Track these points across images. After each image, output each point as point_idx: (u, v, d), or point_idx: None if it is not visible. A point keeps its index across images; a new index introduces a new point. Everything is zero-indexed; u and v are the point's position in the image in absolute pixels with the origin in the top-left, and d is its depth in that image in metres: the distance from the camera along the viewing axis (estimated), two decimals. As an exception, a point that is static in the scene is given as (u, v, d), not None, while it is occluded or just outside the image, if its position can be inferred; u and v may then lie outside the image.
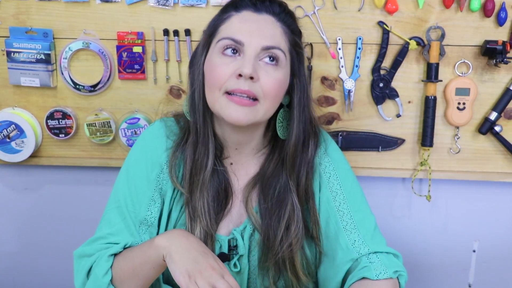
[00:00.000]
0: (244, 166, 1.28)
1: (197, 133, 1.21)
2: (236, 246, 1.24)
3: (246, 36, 1.13)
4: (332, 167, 1.27)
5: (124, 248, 1.17)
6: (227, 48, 1.14)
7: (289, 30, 1.19)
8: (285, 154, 1.23)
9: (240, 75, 1.12)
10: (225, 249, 1.24)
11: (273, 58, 1.15)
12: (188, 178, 1.22)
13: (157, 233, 1.24)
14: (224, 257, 1.23)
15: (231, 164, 1.28)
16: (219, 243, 1.24)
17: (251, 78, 1.12)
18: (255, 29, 1.14)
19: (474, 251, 1.75)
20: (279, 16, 1.18)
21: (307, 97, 1.23)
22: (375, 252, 1.20)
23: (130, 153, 1.29)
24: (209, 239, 1.20)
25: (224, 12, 1.19)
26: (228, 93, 1.13)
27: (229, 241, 1.24)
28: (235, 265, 1.25)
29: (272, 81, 1.14)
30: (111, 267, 1.14)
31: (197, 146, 1.21)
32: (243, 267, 1.25)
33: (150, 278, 1.14)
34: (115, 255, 1.16)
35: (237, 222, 1.26)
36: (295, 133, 1.21)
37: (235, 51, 1.14)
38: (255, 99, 1.14)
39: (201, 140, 1.21)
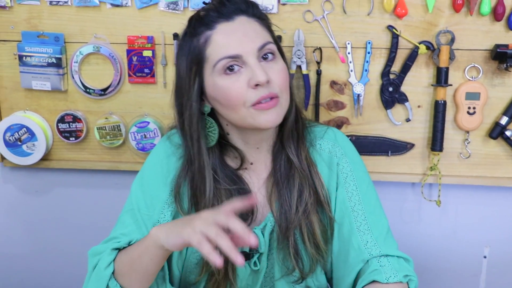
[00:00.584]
0: (263, 162, 1.28)
1: (192, 163, 1.21)
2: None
3: (238, 48, 1.13)
4: (350, 168, 1.28)
5: (129, 245, 1.19)
6: (227, 67, 1.13)
7: (262, 20, 1.20)
8: (283, 134, 1.24)
9: (256, 85, 1.12)
10: (246, 248, 1.24)
11: (270, 53, 1.16)
12: (193, 202, 1.23)
13: None
14: (246, 256, 1.24)
15: (251, 164, 1.28)
16: None
17: (267, 82, 1.13)
18: (241, 36, 1.14)
19: (485, 257, 1.74)
20: (248, 12, 1.17)
21: (289, 69, 1.24)
22: (386, 256, 1.20)
23: (145, 164, 1.30)
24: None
25: (196, 35, 1.16)
26: (254, 104, 1.13)
27: None
28: (255, 263, 1.25)
29: (281, 74, 1.16)
30: (113, 260, 1.16)
31: (194, 174, 1.22)
32: (262, 265, 1.26)
33: (149, 272, 1.13)
34: (119, 250, 1.18)
35: (258, 221, 1.26)
36: (292, 109, 1.23)
37: (236, 65, 1.14)
38: (276, 96, 1.15)
39: (197, 168, 1.20)
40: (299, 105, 1.29)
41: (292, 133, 1.25)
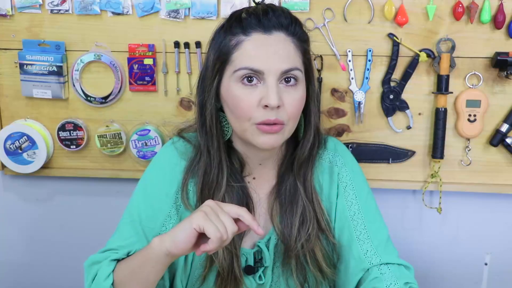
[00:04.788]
0: (267, 178, 1.28)
1: (209, 155, 1.21)
2: (261, 258, 1.24)
3: (264, 64, 1.12)
4: (349, 177, 1.28)
5: (128, 255, 1.18)
6: (246, 77, 1.13)
7: (300, 42, 1.18)
8: (295, 156, 1.24)
9: (266, 106, 1.11)
10: (251, 262, 1.24)
11: (293, 78, 1.15)
12: (200, 198, 1.22)
13: None
14: (250, 270, 1.24)
15: (254, 178, 1.28)
16: (244, 257, 1.24)
17: (278, 107, 1.12)
18: (271, 54, 1.12)
19: (486, 264, 1.74)
20: (288, 30, 1.16)
21: (318, 101, 1.24)
22: (386, 264, 1.20)
23: (146, 171, 1.30)
24: (233, 254, 1.20)
25: (231, 34, 1.15)
26: (258, 124, 1.13)
27: (254, 253, 1.24)
28: (260, 277, 1.25)
29: (295, 102, 1.15)
30: (113, 271, 1.14)
31: (211, 167, 1.21)
32: (267, 278, 1.25)
33: (150, 281, 1.12)
34: (118, 260, 1.16)
35: (262, 235, 1.26)
36: (311, 137, 1.23)
37: (255, 78, 1.13)
38: (280, 123, 1.14)
39: (215, 163, 1.21)
40: (321, 131, 1.28)
41: (307, 162, 1.25)
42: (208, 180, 1.22)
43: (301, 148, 1.23)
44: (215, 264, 1.21)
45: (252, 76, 1.12)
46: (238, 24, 1.15)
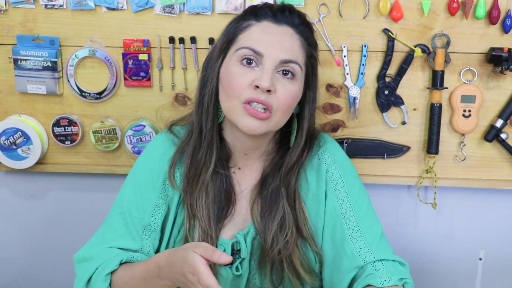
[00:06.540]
0: (251, 170, 1.29)
1: (201, 134, 1.22)
2: (239, 250, 1.25)
3: (266, 48, 1.14)
4: (339, 174, 1.28)
5: (120, 264, 1.18)
6: (245, 58, 1.15)
7: (307, 43, 1.21)
8: (284, 160, 1.25)
9: (257, 87, 1.13)
10: (228, 253, 1.24)
11: (290, 72, 1.16)
12: (187, 176, 1.24)
13: (160, 238, 1.26)
14: None
15: (239, 169, 1.29)
16: (222, 247, 1.25)
17: (268, 91, 1.13)
18: (275, 42, 1.15)
19: (480, 259, 1.75)
20: (298, 28, 1.20)
21: (315, 108, 1.26)
22: (380, 260, 1.20)
23: (136, 162, 1.32)
24: (209, 240, 1.21)
25: (243, 20, 1.20)
26: (245, 102, 1.14)
27: (232, 244, 1.25)
28: (237, 268, 1.25)
29: (288, 94, 1.16)
30: (109, 285, 1.16)
31: (200, 146, 1.23)
32: (244, 270, 1.26)
33: None
34: (112, 272, 1.17)
35: (242, 226, 1.27)
36: (301, 143, 1.24)
37: (254, 61, 1.15)
38: (269, 110, 1.14)
39: (206, 142, 1.22)
40: (314, 136, 1.29)
41: (293, 168, 1.25)
42: (196, 159, 1.23)
43: (290, 153, 1.24)
44: None
45: (251, 59, 1.15)
46: (251, 11, 1.20)
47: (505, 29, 1.52)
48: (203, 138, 1.22)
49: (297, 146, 1.24)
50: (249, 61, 1.15)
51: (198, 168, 1.23)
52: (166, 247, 1.26)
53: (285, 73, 1.16)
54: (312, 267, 1.26)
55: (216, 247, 1.23)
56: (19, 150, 1.67)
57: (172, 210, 1.26)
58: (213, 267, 1.20)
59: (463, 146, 1.62)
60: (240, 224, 1.27)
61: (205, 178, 1.22)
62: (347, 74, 1.58)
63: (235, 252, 1.25)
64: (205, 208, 1.22)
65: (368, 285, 1.15)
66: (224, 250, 1.25)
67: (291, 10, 1.21)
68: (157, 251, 1.26)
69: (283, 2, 1.26)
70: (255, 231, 1.25)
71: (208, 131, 1.21)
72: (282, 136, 1.29)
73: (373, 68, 1.59)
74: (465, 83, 1.58)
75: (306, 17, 1.23)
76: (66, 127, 1.66)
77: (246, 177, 1.29)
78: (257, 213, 1.25)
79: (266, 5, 1.21)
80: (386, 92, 1.59)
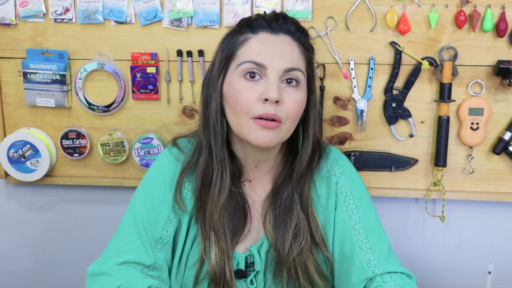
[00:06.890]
0: (262, 183, 1.29)
1: (211, 153, 1.21)
2: (253, 263, 1.25)
3: (268, 59, 1.14)
4: (349, 186, 1.28)
5: None
6: (249, 72, 1.15)
7: (304, 48, 1.22)
8: (294, 167, 1.25)
9: (266, 100, 1.13)
10: (242, 266, 1.24)
11: (294, 79, 1.17)
12: (199, 199, 1.23)
13: (172, 252, 1.26)
14: (241, 274, 1.24)
15: (250, 181, 1.29)
16: (236, 260, 1.24)
17: (276, 102, 1.13)
18: (276, 51, 1.16)
19: (489, 272, 1.73)
20: (295, 35, 1.20)
21: (319, 112, 1.26)
22: (389, 273, 1.20)
23: (146, 175, 1.31)
24: (225, 258, 1.21)
25: (239, 34, 1.20)
26: (255, 118, 1.14)
27: (246, 258, 1.25)
28: (251, 281, 1.25)
29: (295, 102, 1.16)
30: None
31: (212, 166, 1.22)
32: (259, 283, 1.25)
33: None
34: None
35: (255, 239, 1.27)
36: (309, 148, 1.24)
37: (257, 74, 1.15)
38: (278, 120, 1.15)
39: (218, 160, 1.21)
40: (322, 143, 1.29)
41: (306, 175, 1.25)
42: (207, 179, 1.22)
43: (299, 159, 1.24)
44: (207, 267, 1.22)
45: (254, 72, 1.15)
46: (246, 24, 1.20)
47: (512, 42, 1.53)
48: (215, 157, 1.21)
49: (305, 151, 1.24)
50: (252, 75, 1.15)
51: (213, 190, 1.21)
52: (179, 261, 1.26)
53: (289, 81, 1.16)
54: (326, 272, 1.26)
55: (231, 262, 1.22)
56: (27, 163, 1.68)
57: (184, 224, 1.25)
58: (230, 281, 1.20)
59: (471, 158, 1.61)
60: (253, 236, 1.27)
61: (220, 200, 1.21)
62: (355, 87, 1.59)
63: (248, 265, 1.25)
64: (221, 227, 1.21)
65: None
66: (238, 264, 1.24)
67: (284, 17, 1.21)
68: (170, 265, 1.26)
69: (274, 10, 1.25)
70: (268, 243, 1.25)
71: (219, 148, 1.21)
72: (289, 147, 1.29)
73: (380, 81, 1.59)
74: (472, 95, 1.57)
75: (300, 23, 1.23)
76: (75, 140, 1.67)
77: (256, 189, 1.29)
78: (269, 225, 1.25)
79: (259, 16, 1.21)
80: (394, 104, 1.59)
